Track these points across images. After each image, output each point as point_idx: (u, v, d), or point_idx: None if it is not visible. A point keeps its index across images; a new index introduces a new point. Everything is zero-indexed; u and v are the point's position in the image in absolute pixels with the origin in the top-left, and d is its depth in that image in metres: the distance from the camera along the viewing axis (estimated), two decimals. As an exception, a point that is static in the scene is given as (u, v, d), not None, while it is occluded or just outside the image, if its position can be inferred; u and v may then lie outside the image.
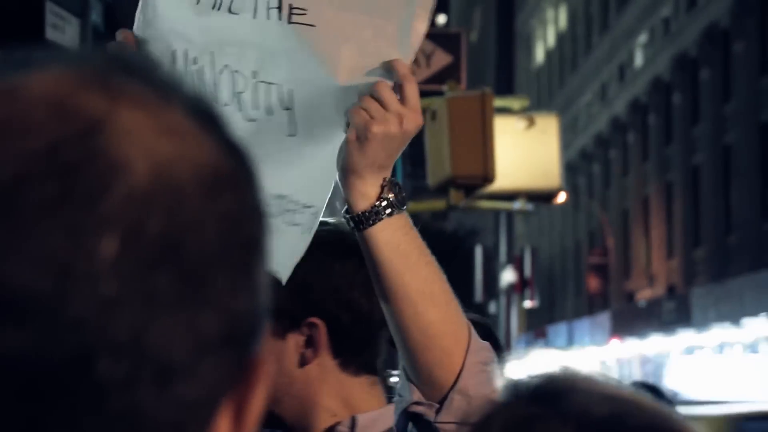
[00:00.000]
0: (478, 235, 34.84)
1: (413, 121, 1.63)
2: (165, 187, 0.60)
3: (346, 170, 1.65)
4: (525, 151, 8.44)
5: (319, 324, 1.84)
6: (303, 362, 1.84)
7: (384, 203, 1.65)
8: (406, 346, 1.66)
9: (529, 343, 38.51)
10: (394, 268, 1.65)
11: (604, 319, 32.31)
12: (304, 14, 1.70)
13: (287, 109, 1.72)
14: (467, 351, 1.66)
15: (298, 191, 1.77)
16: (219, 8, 1.75)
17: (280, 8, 1.70)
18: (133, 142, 0.60)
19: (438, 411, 1.66)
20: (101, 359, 0.58)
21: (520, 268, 19.21)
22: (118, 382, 0.58)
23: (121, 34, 1.76)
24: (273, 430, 1.90)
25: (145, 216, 0.59)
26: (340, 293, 1.85)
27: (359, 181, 1.65)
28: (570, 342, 33.73)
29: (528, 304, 20.13)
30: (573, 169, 42.05)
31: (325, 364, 1.85)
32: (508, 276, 18.69)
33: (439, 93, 7.71)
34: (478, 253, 20.95)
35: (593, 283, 35.40)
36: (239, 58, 1.74)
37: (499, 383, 1.53)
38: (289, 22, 1.70)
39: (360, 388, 1.84)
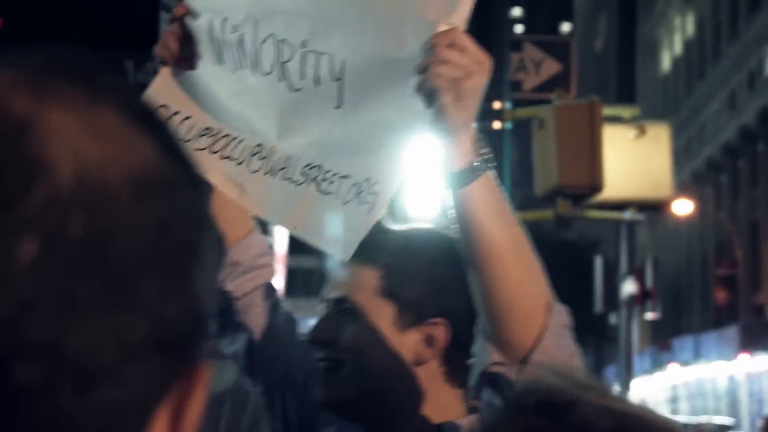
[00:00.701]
0: (599, 246, 34.43)
1: (489, 61, 1.64)
2: (90, 189, 0.59)
3: (443, 132, 1.64)
4: (635, 161, 8.31)
5: (445, 326, 1.85)
6: (418, 361, 1.85)
7: (481, 160, 1.67)
8: (491, 306, 1.68)
9: (654, 357, 37.89)
10: (489, 226, 1.66)
11: (732, 332, 31.57)
12: None
13: (338, 79, 1.72)
14: (549, 312, 1.68)
15: (333, 161, 1.78)
16: None
17: None
18: (59, 143, 0.59)
19: (519, 371, 1.67)
20: (17, 363, 0.57)
21: (641, 279, 18.91)
22: (37, 387, 0.57)
23: (177, 8, 1.82)
24: (349, 423, 1.91)
25: (68, 219, 0.58)
26: (471, 302, 1.82)
27: (456, 140, 1.65)
28: (696, 356, 33.06)
29: (650, 316, 19.81)
30: (700, 179, 41.21)
31: (432, 369, 1.85)
32: (629, 287, 18.41)
33: (548, 101, 7.63)
34: (599, 263, 20.69)
35: (721, 295, 34.64)
36: (287, 27, 1.73)
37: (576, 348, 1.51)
38: None
39: (455, 401, 1.84)
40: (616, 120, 8.70)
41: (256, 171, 1.84)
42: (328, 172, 1.78)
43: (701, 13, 42.96)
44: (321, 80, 1.73)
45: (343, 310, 1.89)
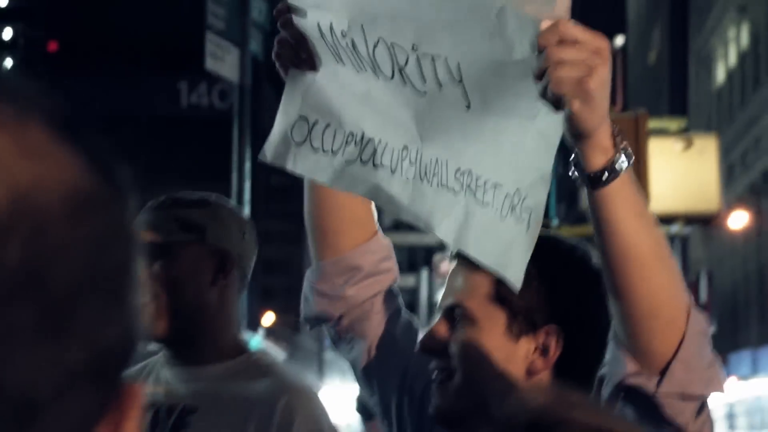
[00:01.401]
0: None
1: (606, 45, 1.50)
2: (25, 214, 0.57)
3: (578, 136, 1.54)
4: (682, 173, 8.24)
5: (558, 334, 1.78)
6: (531, 371, 1.78)
7: (621, 156, 1.55)
8: (629, 314, 1.59)
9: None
10: (629, 228, 1.56)
11: (790, 346, 31.13)
12: None
13: (459, 81, 1.63)
14: (689, 318, 1.60)
15: (481, 166, 1.69)
16: None
17: None
18: None
19: (659, 383, 1.60)
20: None
21: (695, 293, 18.75)
22: None
23: (279, 7, 1.71)
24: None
25: (4, 246, 0.56)
26: (584, 309, 1.79)
27: (593, 140, 1.54)
28: (754, 371, 32.61)
29: (705, 330, 19.61)
30: (757, 191, 40.73)
31: (545, 380, 1.79)
32: (683, 301, 18.28)
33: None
34: (652, 277, 20.56)
35: (779, 309, 34.17)
36: (394, 31, 1.64)
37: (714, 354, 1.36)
38: None
39: None
40: (663, 132, 8.64)
41: (411, 178, 1.71)
42: (479, 178, 1.69)
43: (756, 24, 42.53)
44: (442, 83, 1.63)
45: (456, 317, 1.82)
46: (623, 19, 61.24)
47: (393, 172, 1.71)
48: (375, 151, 1.71)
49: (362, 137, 1.71)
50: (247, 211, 8.66)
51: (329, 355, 39.39)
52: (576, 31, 1.48)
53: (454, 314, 1.83)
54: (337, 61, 1.69)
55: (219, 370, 2.34)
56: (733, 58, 46.70)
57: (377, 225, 2.00)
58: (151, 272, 2.32)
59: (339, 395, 35.25)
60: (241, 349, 2.40)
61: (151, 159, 22.03)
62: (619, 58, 8.07)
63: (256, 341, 16.31)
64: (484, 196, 1.69)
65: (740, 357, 35.38)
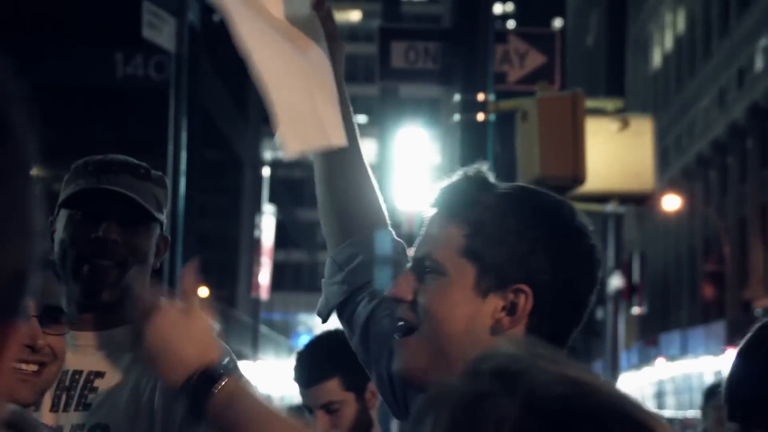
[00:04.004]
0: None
1: None
2: None
3: None
4: (618, 153, 8.32)
5: (528, 293, 1.74)
6: (496, 329, 1.74)
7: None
8: None
9: (641, 352, 37.93)
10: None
11: (719, 328, 31.62)
12: None
13: None
14: None
15: None
16: None
17: None
18: None
19: None
20: None
21: (628, 274, 18.93)
22: None
23: None
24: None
25: None
26: (559, 269, 1.75)
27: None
28: (684, 351, 33.10)
29: (636, 310, 19.83)
30: (689, 174, 41.25)
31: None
32: (615, 282, 18.44)
33: (533, 94, 7.63)
34: (586, 258, 20.70)
35: (708, 291, 34.69)
36: None
37: None
38: None
39: None
40: (599, 113, 8.71)
41: None
42: None
43: (692, 9, 42.98)
44: None
45: (425, 268, 1.78)
46: (562, 3, 61.59)
47: None
48: None
49: None
50: (183, 183, 8.58)
51: (264, 329, 39.34)
52: None
53: (424, 264, 1.79)
54: None
55: (126, 333, 2.34)
56: (669, 42, 47.22)
57: (388, 222, 2.07)
58: (127, 239, 2.34)
59: (272, 369, 35.26)
60: None
61: (86, 130, 21.77)
62: (558, 40, 8.09)
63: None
64: None
65: (670, 337, 35.91)
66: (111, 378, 2.31)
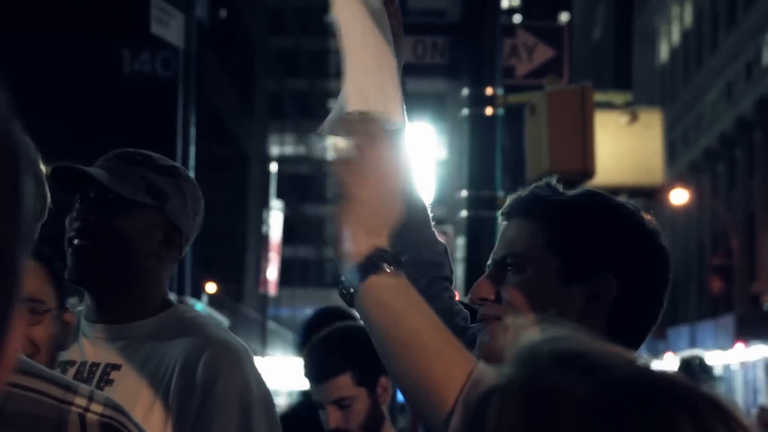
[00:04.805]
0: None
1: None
2: None
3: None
4: (627, 147, 8.29)
5: (612, 282, 1.79)
6: (582, 317, 1.78)
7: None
8: (398, 382, 1.68)
9: (649, 345, 37.92)
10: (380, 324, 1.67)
11: (727, 322, 31.60)
12: None
13: None
14: (461, 390, 1.63)
15: None
16: None
17: None
18: None
19: None
20: None
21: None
22: None
23: None
24: None
25: None
26: (639, 264, 1.81)
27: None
28: (692, 345, 33.09)
29: (644, 304, 19.83)
30: (696, 168, 41.20)
31: (597, 327, 1.77)
32: (624, 276, 18.44)
33: (541, 87, 7.61)
34: (594, 252, 20.70)
35: (717, 285, 34.65)
36: None
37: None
38: None
39: None
40: (608, 106, 8.68)
41: None
42: None
43: (699, 2, 42.91)
44: None
45: (508, 266, 1.84)
46: (568, -4, 61.51)
47: None
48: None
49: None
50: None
51: (272, 324, 39.38)
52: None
53: (506, 263, 1.84)
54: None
55: (142, 327, 2.34)
56: (676, 36, 47.16)
57: (432, 223, 2.12)
58: (102, 220, 2.32)
59: (281, 364, 35.27)
60: (166, 305, 2.40)
61: (92, 126, 21.78)
62: (567, 33, 8.08)
63: (199, 308, 16.29)
64: None
65: (679, 331, 35.89)
66: (127, 371, 2.30)
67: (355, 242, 1.66)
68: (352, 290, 1.67)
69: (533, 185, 1.90)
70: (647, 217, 1.87)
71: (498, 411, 0.84)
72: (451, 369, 1.64)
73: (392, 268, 1.66)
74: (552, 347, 0.87)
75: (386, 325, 1.65)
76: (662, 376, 0.86)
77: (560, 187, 1.89)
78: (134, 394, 2.26)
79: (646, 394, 0.83)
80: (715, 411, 0.84)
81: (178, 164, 2.49)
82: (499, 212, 1.92)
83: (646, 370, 0.86)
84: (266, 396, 2.31)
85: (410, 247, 2.04)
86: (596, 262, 1.79)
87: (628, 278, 1.79)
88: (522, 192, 1.91)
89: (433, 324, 1.67)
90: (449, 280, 2.16)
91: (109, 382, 2.29)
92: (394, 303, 1.66)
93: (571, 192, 1.89)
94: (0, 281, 0.61)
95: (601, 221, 1.81)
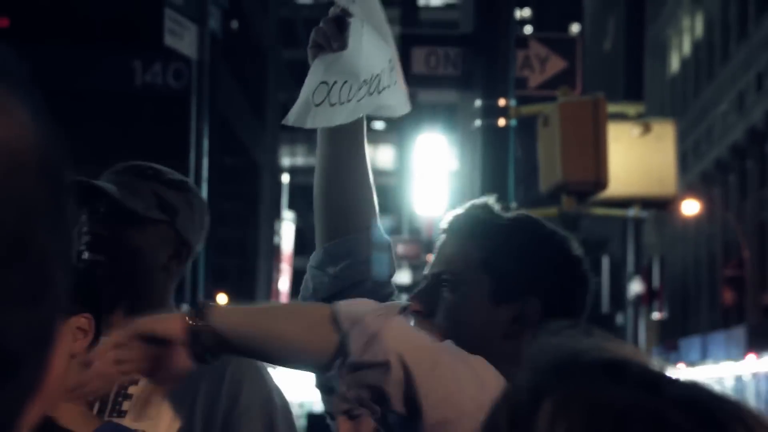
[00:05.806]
0: (606, 246, 34.35)
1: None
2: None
3: None
4: (640, 158, 8.30)
5: (537, 305, 1.91)
6: (508, 336, 1.90)
7: None
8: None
9: (661, 356, 37.75)
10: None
11: (739, 333, 31.49)
12: None
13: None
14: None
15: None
16: None
17: None
18: None
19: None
20: None
21: (648, 279, 18.89)
22: None
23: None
24: None
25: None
26: (563, 288, 1.92)
27: None
28: (703, 356, 32.99)
29: (656, 315, 19.78)
30: (708, 179, 41.11)
31: (520, 346, 1.85)
32: (635, 287, 18.39)
33: (554, 99, 7.61)
34: (605, 263, 20.65)
35: (728, 296, 34.54)
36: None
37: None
38: None
39: None
40: (621, 117, 8.68)
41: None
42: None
43: (710, 14, 42.88)
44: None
45: (443, 282, 1.94)
46: (579, 8, 61.50)
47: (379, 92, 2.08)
48: (378, 83, 2.06)
49: (371, 78, 2.05)
50: (205, 189, 8.61)
51: (282, 337, 39.17)
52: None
53: (441, 279, 1.95)
54: (361, 34, 2.03)
55: None
56: (687, 47, 47.09)
57: (378, 221, 2.12)
58: (114, 234, 2.33)
59: (292, 376, 35.22)
60: None
61: (105, 138, 21.83)
62: (579, 44, 8.08)
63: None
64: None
65: (690, 343, 35.77)
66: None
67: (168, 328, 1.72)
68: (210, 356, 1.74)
69: (471, 205, 2.02)
70: (574, 244, 1.99)
71: (551, 419, 0.79)
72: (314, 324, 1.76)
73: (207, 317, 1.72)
74: (592, 357, 0.83)
75: (256, 340, 1.74)
76: (710, 391, 0.85)
77: (497, 209, 2.01)
78: (154, 408, 2.26)
79: (708, 411, 0.81)
80: (764, 427, 0.83)
81: (187, 178, 2.50)
82: (440, 228, 2.04)
83: (695, 385, 0.85)
84: (287, 405, 2.35)
85: (361, 246, 2.06)
86: (525, 284, 1.91)
87: (551, 301, 1.91)
88: (461, 210, 2.03)
89: (282, 310, 1.83)
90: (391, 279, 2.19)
91: (127, 396, 2.29)
92: (246, 324, 1.75)
93: (508, 215, 2.00)
94: (45, 299, 0.61)
95: (533, 246, 1.93)
